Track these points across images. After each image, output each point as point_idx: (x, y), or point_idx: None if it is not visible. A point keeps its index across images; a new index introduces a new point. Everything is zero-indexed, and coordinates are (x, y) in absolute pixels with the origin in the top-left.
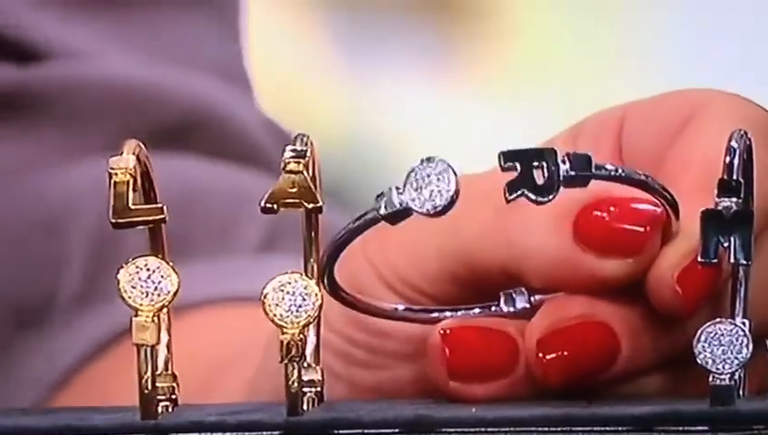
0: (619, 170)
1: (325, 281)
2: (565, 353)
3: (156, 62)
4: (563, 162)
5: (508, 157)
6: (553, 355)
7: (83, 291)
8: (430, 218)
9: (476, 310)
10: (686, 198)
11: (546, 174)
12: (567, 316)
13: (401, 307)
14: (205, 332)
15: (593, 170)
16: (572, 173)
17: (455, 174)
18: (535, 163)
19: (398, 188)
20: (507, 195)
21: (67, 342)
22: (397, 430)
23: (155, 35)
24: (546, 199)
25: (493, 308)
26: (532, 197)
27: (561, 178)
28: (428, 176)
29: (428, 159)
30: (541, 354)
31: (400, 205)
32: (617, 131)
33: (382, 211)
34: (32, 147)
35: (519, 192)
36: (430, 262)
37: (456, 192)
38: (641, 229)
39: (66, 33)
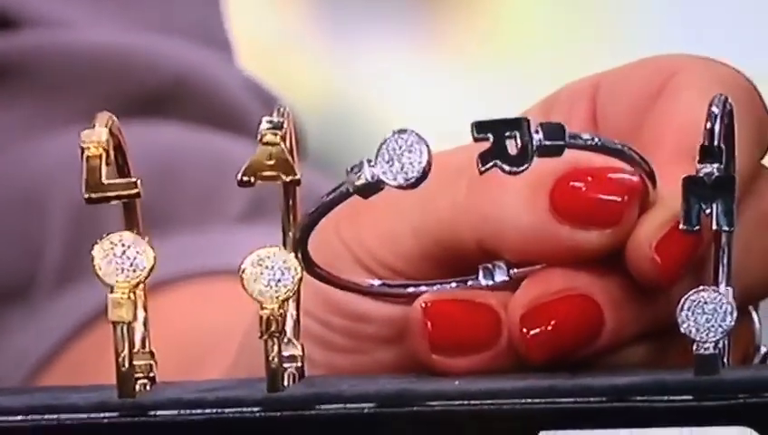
0: (595, 139)
1: (299, 257)
2: (549, 328)
3: (133, 28)
4: (536, 132)
5: (481, 127)
6: (537, 330)
7: (65, 267)
8: (403, 191)
9: (453, 284)
10: (663, 166)
11: (519, 144)
12: (549, 291)
13: (377, 283)
14: (182, 310)
15: (567, 140)
16: (546, 143)
17: (426, 146)
18: (508, 133)
19: (369, 161)
20: (480, 166)
21: (50, 320)
22: (378, 404)
23: (133, 1)
24: (520, 170)
25: (469, 283)
26: (506, 167)
27: (535, 148)
28: (400, 148)
29: (400, 131)
30: (524, 330)
31: (372, 178)
32: (591, 101)
33: (355, 184)
34: (7, 118)
35: (491, 163)
36: (405, 241)
37: (429, 164)
38: (618, 199)
39: (41, 1)
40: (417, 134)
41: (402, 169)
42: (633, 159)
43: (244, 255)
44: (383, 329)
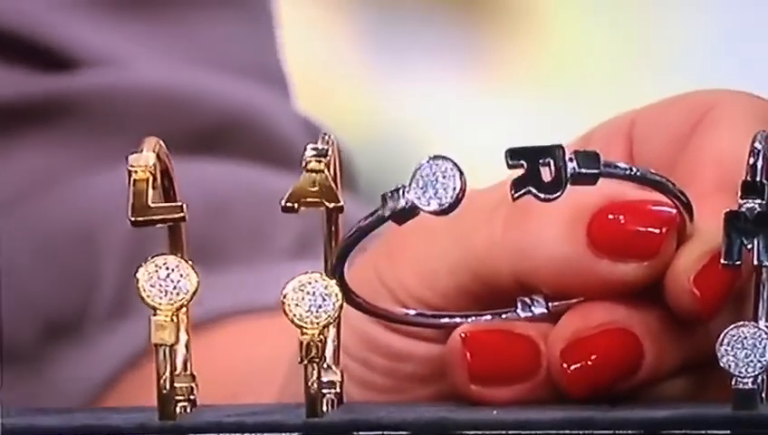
0: (634, 170)
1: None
2: (589, 363)
3: (189, 66)
4: (571, 160)
5: (515, 154)
6: (577, 365)
7: (118, 302)
8: (442, 228)
9: (488, 317)
10: (700, 199)
11: (553, 171)
12: (589, 325)
13: (412, 312)
14: (232, 346)
15: (603, 168)
16: (580, 171)
17: (460, 172)
18: (542, 160)
19: (404, 187)
20: (513, 192)
21: (102, 354)
22: (416, 432)
23: (188, 37)
24: (553, 197)
25: (504, 316)
26: (539, 194)
27: (569, 175)
28: (434, 174)
29: (434, 158)
30: (565, 364)
31: (406, 203)
32: (627, 137)
33: (391, 210)
34: (63, 156)
35: (524, 190)
36: (443, 278)
37: (462, 191)
38: (656, 231)
39: (97, 39)
40: (451, 160)
41: (436, 194)
42: (671, 191)
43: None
44: (421, 368)
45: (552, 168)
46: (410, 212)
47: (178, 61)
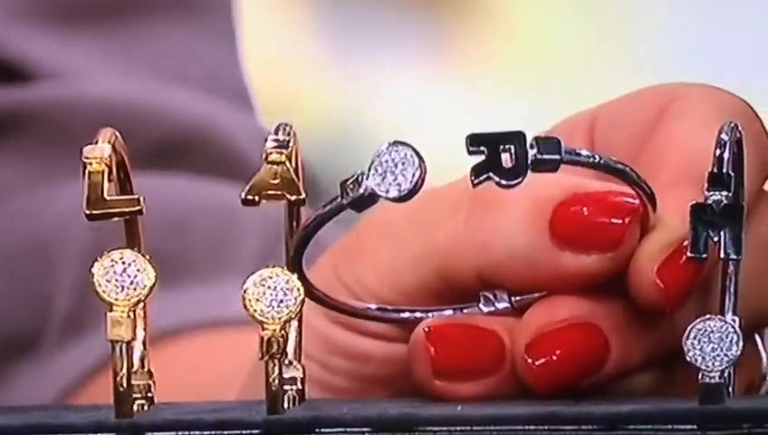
0: (596, 157)
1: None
2: (554, 358)
3: (144, 80)
4: (532, 146)
5: (475, 140)
6: (542, 360)
7: (72, 318)
8: (403, 225)
9: (449, 311)
10: (662, 190)
11: (514, 158)
12: (554, 320)
13: (374, 306)
14: (194, 360)
15: (564, 155)
16: (541, 157)
17: (420, 158)
18: (503, 147)
19: (363, 174)
20: (473, 179)
21: (53, 372)
22: (379, 429)
23: (145, 51)
24: (513, 183)
25: (465, 311)
26: (499, 180)
27: (530, 162)
28: (393, 160)
29: (393, 144)
30: (530, 360)
31: (365, 190)
32: (589, 133)
33: (350, 197)
34: (17, 170)
35: (485, 176)
36: (404, 275)
37: (422, 177)
38: (619, 222)
39: (51, 52)
40: (410, 147)
41: (395, 181)
42: (633, 180)
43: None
44: (382, 369)
45: (513, 154)
46: (369, 199)
47: (134, 74)
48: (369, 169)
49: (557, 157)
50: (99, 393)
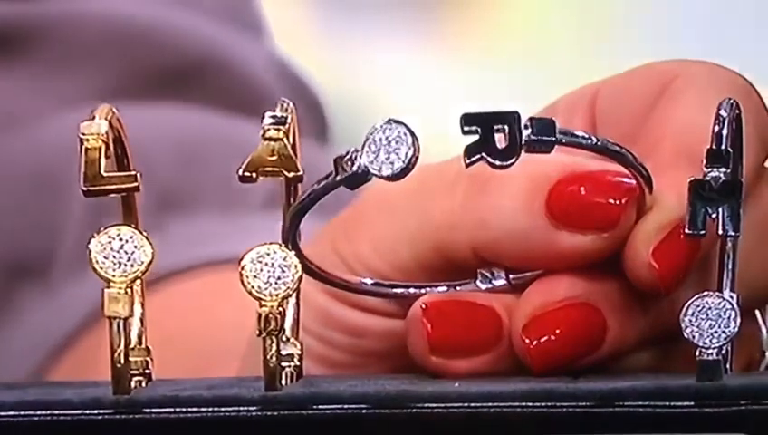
0: (593, 139)
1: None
2: (552, 338)
3: (159, 3)
4: (526, 127)
5: (469, 120)
6: (540, 340)
7: (82, 248)
8: (401, 201)
9: (443, 288)
10: (660, 170)
11: (508, 138)
12: (552, 300)
13: (369, 281)
14: (202, 300)
15: (558, 136)
16: (535, 138)
17: (414, 137)
18: (497, 127)
19: (357, 151)
20: (466, 159)
21: (71, 301)
22: (377, 406)
23: None
24: (506, 164)
25: (459, 287)
26: (492, 161)
27: (524, 142)
28: (387, 138)
29: (388, 122)
30: (527, 340)
31: (358, 168)
32: (590, 109)
33: (343, 174)
34: (27, 91)
35: (478, 156)
36: (401, 250)
37: (415, 156)
38: (616, 202)
39: None
40: (405, 125)
41: (388, 159)
42: (630, 162)
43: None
44: (380, 344)
45: (507, 134)
46: (362, 177)
47: None
48: (363, 147)
49: (551, 138)
50: (104, 338)
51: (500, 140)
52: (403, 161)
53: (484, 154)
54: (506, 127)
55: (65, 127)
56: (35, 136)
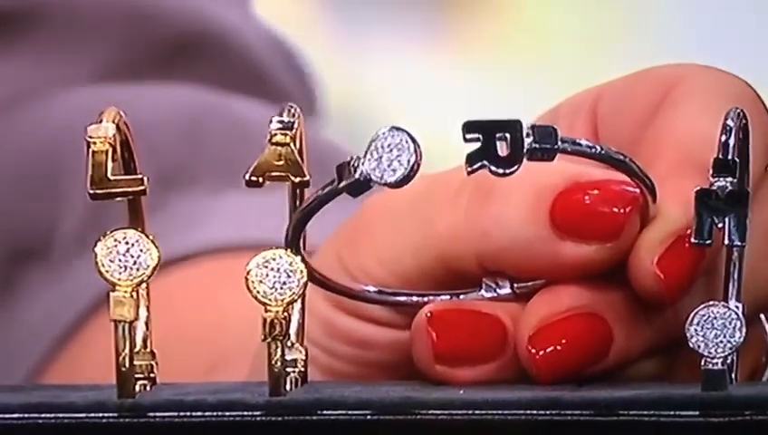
0: (597, 148)
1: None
2: (558, 348)
3: None
4: (528, 135)
5: (471, 128)
6: (546, 350)
7: (87, 228)
8: (400, 203)
9: (446, 296)
10: (663, 179)
11: (510, 146)
12: (557, 310)
13: (372, 289)
14: (203, 293)
15: (560, 144)
16: (537, 146)
17: (416, 144)
18: (499, 135)
19: (359, 158)
20: (468, 166)
21: (75, 286)
22: (381, 412)
23: None
24: (508, 172)
25: (462, 296)
26: (494, 169)
27: (526, 150)
28: (389, 145)
29: (390, 129)
30: (533, 350)
31: (360, 175)
32: (592, 113)
33: (345, 182)
34: (30, 70)
35: (479, 164)
36: (406, 262)
37: (417, 163)
38: (620, 211)
39: None
40: (407, 132)
41: (390, 166)
42: (634, 171)
43: (271, 223)
44: (385, 355)
45: (509, 142)
46: (365, 184)
47: None
48: (365, 154)
49: (553, 146)
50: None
51: (502, 148)
52: (405, 168)
53: (485, 162)
54: (508, 135)
55: (66, 107)
56: (37, 117)
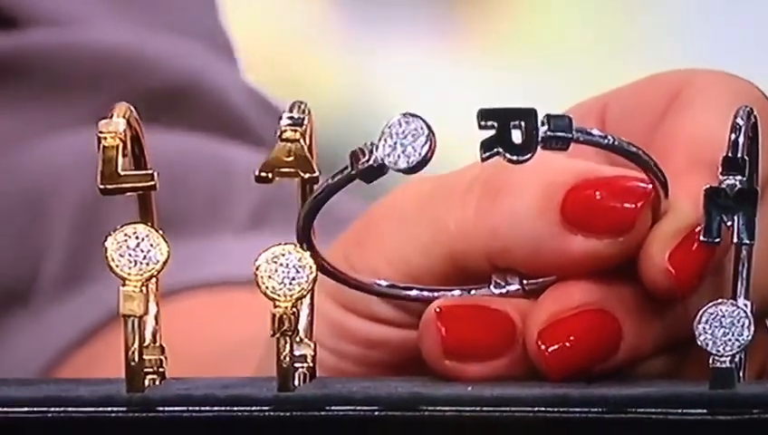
0: (610, 138)
1: (304, 246)
2: (567, 344)
3: (142, 29)
4: (543, 123)
5: (486, 115)
6: (556, 347)
7: (68, 271)
8: (409, 203)
9: (457, 292)
10: (674, 177)
11: (524, 134)
12: (567, 307)
13: (383, 282)
14: (201, 320)
15: (575, 133)
16: (552, 134)
17: (430, 131)
18: (514, 122)
19: (373, 144)
20: (482, 153)
21: (53, 327)
22: (389, 408)
23: (141, 0)
24: (523, 159)
25: (473, 292)
26: (509, 156)
27: (540, 138)
28: (404, 132)
29: (405, 116)
30: (543, 347)
31: (374, 161)
32: (600, 120)
33: (359, 167)
34: (13, 118)
35: (494, 151)
36: (415, 262)
37: (432, 150)
38: (631, 206)
39: None
40: (422, 119)
41: (404, 152)
42: (646, 163)
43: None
44: (394, 355)
45: (524, 130)
46: (379, 170)
47: (129, 23)
48: (380, 140)
49: (568, 135)
50: (92, 358)
51: (516, 136)
52: (419, 154)
53: (500, 149)
54: (523, 123)
55: (50, 151)
56: (22, 160)
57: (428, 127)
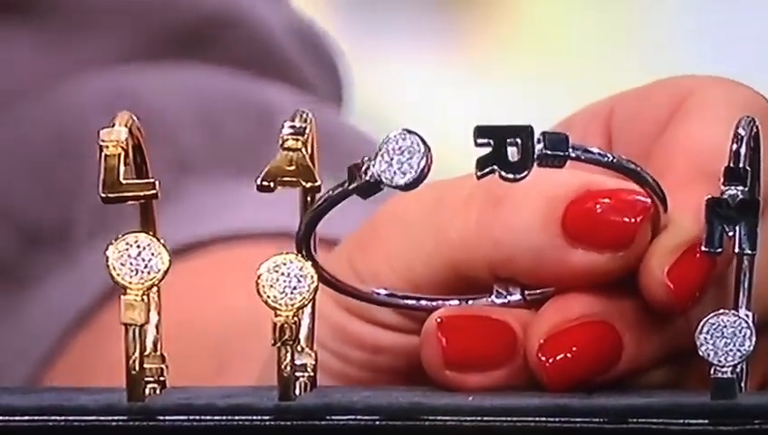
0: (609, 156)
1: (303, 255)
2: (568, 356)
3: None
4: (539, 141)
5: (482, 132)
6: (556, 358)
7: (102, 213)
8: (412, 210)
9: (454, 301)
10: (674, 189)
11: (520, 151)
12: (568, 318)
13: (382, 291)
14: (217, 286)
15: (571, 151)
16: (547, 152)
17: (427, 147)
18: (509, 140)
19: (370, 160)
20: (477, 171)
21: (87, 273)
22: (389, 417)
23: None
24: (518, 177)
25: (470, 302)
26: (504, 174)
27: (536, 156)
28: (400, 148)
29: (401, 132)
30: (543, 358)
31: (371, 177)
32: (605, 125)
33: (355, 183)
34: (42, 56)
35: (489, 168)
36: (418, 271)
37: (428, 166)
38: (631, 220)
39: None
40: (418, 135)
41: (401, 169)
42: (645, 180)
43: (287, 211)
44: (397, 360)
45: (520, 148)
46: (375, 186)
47: None
48: (376, 156)
49: (564, 153)
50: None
51: (512, 154)
52: (416, 171)
53: (495, 167)
54: (519, 140)
55: (81, 91)
56: (52, 101)
57: (425, 143)
